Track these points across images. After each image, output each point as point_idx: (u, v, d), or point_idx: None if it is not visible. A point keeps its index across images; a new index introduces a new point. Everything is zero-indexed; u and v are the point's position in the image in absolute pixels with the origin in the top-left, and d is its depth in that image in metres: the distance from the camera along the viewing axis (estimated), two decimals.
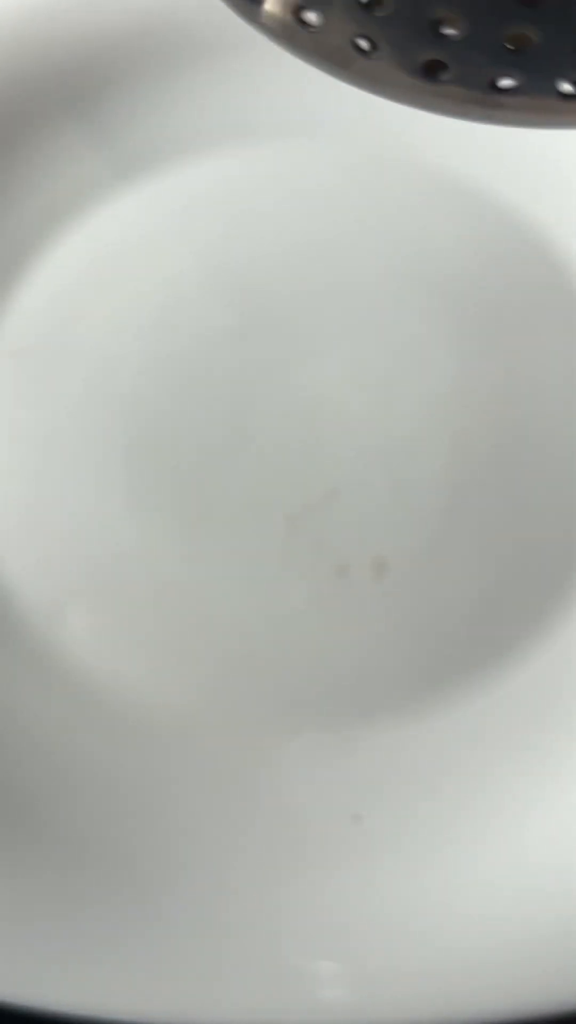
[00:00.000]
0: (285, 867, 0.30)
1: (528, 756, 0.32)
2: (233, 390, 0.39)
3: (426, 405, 0.38)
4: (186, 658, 0.34)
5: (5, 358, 0.39)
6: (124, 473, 0.37)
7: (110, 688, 0.34)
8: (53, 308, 0.40)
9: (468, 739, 0.33)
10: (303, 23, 0.21)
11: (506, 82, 0.21)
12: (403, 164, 0.42)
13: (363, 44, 0.21)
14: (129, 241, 0.42)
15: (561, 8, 0.19)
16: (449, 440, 0.37)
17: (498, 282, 0.41)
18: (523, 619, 0.35)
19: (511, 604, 0.35)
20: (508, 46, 0.20)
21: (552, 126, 0.22)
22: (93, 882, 0.30)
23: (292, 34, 0.22)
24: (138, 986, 0.27)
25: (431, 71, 0.21)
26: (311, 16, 0.21)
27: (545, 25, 0.19)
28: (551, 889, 0.29)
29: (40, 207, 0.42)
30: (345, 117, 0.40)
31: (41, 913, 0.29)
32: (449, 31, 0.20)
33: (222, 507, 0.37)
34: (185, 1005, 0.27)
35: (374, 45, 0.21)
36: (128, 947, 0.28)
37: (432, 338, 0.40)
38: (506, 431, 0.38)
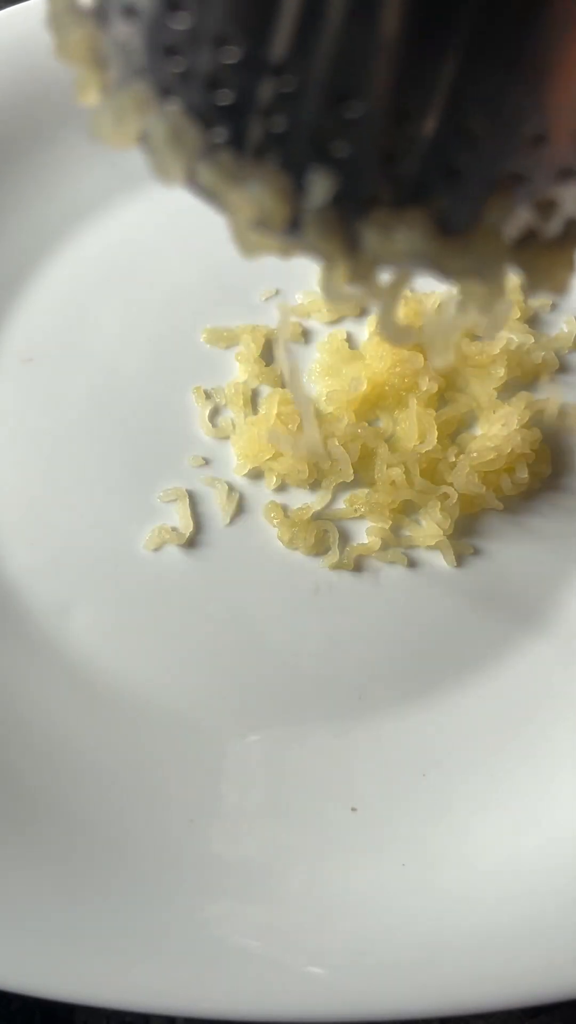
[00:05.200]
0: (285, 855, 0.31)
1: (518, 750, 0.33)
2: None
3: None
4: (189, 653, 0.35)
5: (16, 364, 0.40)
6: (129, 475, 0.38)
7: (114, 682, 0.34)
8: (61, 315, 0.41)
9: (460, 733, 0.34)
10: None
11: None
12: None
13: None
14: (135, 248, 0.42)
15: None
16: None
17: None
18: (515, 617, 0.36)
19: (504, 602, 0.36)
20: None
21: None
22: (95, 867, 0.30)
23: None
24: (139, 970, 0.28)
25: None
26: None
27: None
28: (540, 878, 0.29)
29: (47, 217, 0.42)
30: None
31: (46, 896, 0.29)
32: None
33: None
34: (184, 988, 0.28)
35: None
36: (127, 931, 0.29)
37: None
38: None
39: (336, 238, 0.19)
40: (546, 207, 0.19)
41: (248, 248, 0.20)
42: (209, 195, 0.19)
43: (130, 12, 0.18)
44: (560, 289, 0.20)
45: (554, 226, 0.19)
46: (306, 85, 0.17)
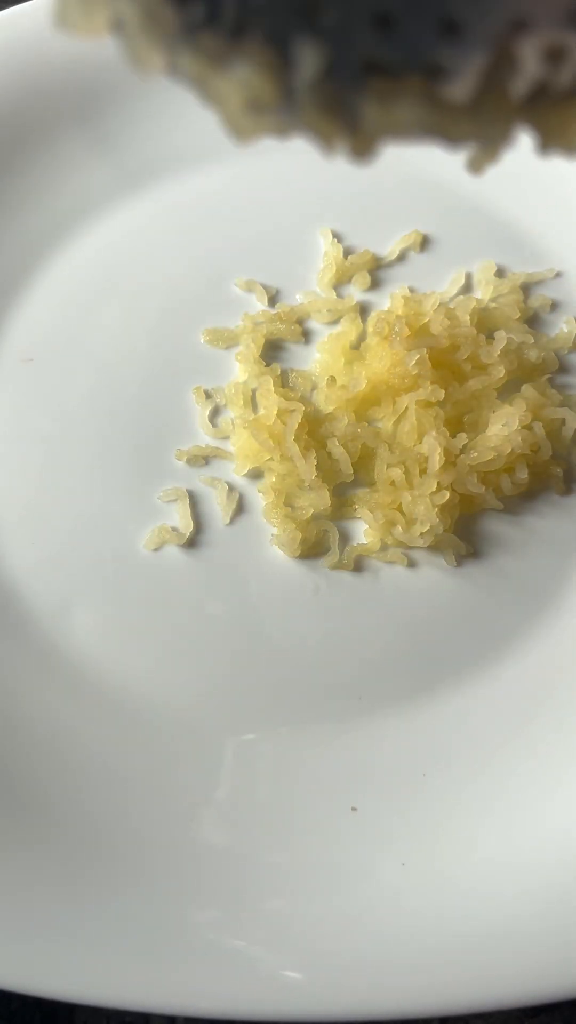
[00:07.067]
0: (285, 855, 0.31)
1: (518, 750, 0.33)
2: None
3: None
4: (189, 653, 0.35)
5: (16, 364, 0.40)
6: (129, 475, 0.38)
7: (114, 682, 0.34)
8: (61, 315, 0.41)
9: (460, 733, 0.34)
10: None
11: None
12: (396, 174, 0.43)
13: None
14: (133, 249, 0.42)
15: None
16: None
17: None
18: (515, 618, 0.36)
19: (504, 603, 0.36)
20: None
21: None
22: (94, 866, 0.30)
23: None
24: (139, 970, 0.28)
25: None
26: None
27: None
28: (540, 878, 0.29)
29: (47, 217, 0.42)
30: None
31: (47, 896, 0.29)
32: None
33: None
34: (184, 988, 0.28)
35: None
36: (127, 931, 0.29)
37: None
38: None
39: (334, 115, 0.17)
40: (555, 56, 0.17)
41: (242, 133, 0.18)
42: (192, 83, 0.18)
43: None
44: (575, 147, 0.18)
45: (565, 77, 0.17)
46: None
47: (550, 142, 0.18)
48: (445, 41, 0.16)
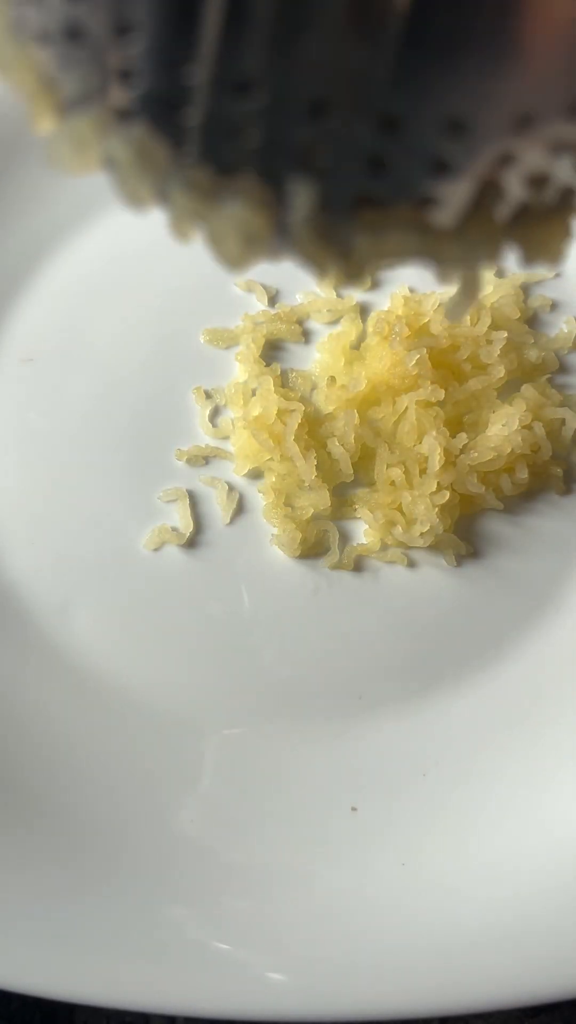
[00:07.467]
0: (285, 855, 0.31)
1: (518, 749, 0.33)
2: None
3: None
4: (188, 653, 0.35)
5: (16, 364, 0.40)
6: (130, 475, 0.38)
7: (114, 682, 0.34)
8: (61, 315, 0.41)
9: (460, 733, 0.34)
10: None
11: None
12: None
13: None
14: (133, 251, 0.42)
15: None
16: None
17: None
18: (515, 617, 0.36)
19: (504, 603, 0.36)
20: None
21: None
22: (95, 866, 0.30)
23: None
24: (139, 970, 0.28)
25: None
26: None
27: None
28: (540, 878, 0.29)
29: (47, 217, 0.42)
30: None
31: (48, 896, 0.29)
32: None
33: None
34: (184, 988, 0.28)
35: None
36: (128, 931, 0.29)
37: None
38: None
39: (327, 244, 0.18)
40: (539, 182, 0.18)
41: (235, 262, 0.18)
42: (185, 216, 0.18)
43: (75, 35, 0.17)
44: (557, 259, 0.19)
45: (548, 197, 0.18)
46: (280, 100, 0.16)
47: (533, 256, 0.19)
48: (434, 177, 0.17)
